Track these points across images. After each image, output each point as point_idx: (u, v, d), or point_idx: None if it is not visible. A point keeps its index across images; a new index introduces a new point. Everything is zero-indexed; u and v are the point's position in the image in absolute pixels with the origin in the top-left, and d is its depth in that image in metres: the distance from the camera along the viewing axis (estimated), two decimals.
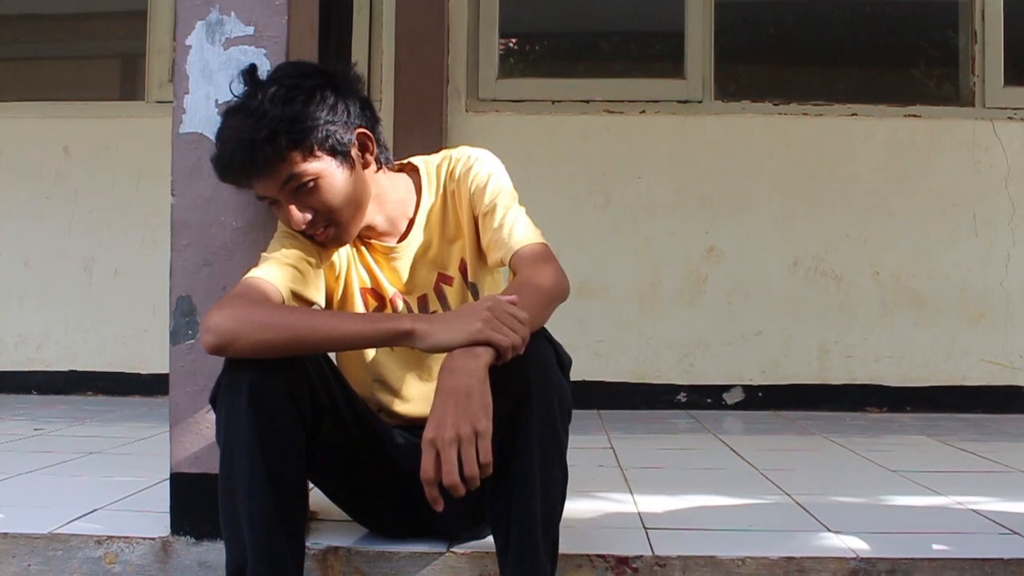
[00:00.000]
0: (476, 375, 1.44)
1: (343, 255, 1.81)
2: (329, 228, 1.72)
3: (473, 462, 1.41)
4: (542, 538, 1.54)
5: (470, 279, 1.85)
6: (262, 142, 1.61)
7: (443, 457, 1.41)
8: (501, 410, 1.47)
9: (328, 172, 1.68)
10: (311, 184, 1.67)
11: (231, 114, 1.67)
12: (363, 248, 1.83)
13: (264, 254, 1.72)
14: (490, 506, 1.58)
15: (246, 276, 1.67)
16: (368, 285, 1.83)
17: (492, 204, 1.78)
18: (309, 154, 1.65)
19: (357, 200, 1.73)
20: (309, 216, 1.69)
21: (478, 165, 1.82)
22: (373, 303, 1.83)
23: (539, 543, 1.53)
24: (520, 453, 1.52)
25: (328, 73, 1.71)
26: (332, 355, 1.79)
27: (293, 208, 1.68)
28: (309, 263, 1.73)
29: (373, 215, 1.80)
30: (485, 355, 1.46)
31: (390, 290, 1.83)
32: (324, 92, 1.67)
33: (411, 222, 1.84)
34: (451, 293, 1.84)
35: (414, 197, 1.85)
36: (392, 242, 1.84)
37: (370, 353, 1.85)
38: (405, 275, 1.84)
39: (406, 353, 1.84)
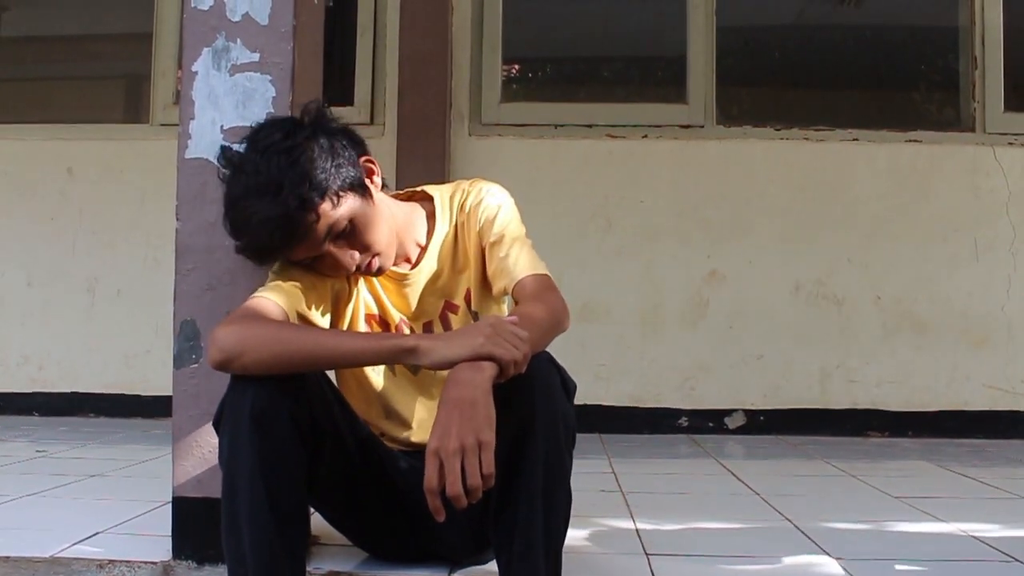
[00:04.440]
0: (480, 387, 1.46)
1: (349, 281, 1.82)
2: (374, 258, 1.74)
3: (476, 473, 1.42)
4: (544, 562, 1.54)
5: (473, 307, 1.86)
6: (296, 211, 1.61)
7: (447, 467, 1.42)
8: (506, 433, 1.48)
9: (358, 209, 1.70)
10: (348, 227, 1.69)
11: (244, 199, 1.62)
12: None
13: (272, 273, 1.73)
14: (493, 529, 1.58)
15: (252, 296, 1.68)
16: (374, 312, 1.84)
17: (500, 235, 1.81)
18: (336, 201, 1.66)
19: (387, 224, 1.77)
20: (356, 255, 1.71)
21: (488, 198, 1.85)
22: (378, 330, 1.84)
23: (541, 567, 1.53)
24: (524, 476, 1.53)
25: (303, 122, 1.70)
26: (334, 379, 1.80)
27: (340, 254, 1.70)
28: (315, 286, 1.74)
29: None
30: (489, 369, 1.48)
31: (396, 316, 1.84)
32: (317, 140, 1.67)
33: (424, 249, 1.86)
34: (456, 321, 1.85)
35: (424, 224, 1.87)
36: (404, 268, 1.85)
37: (373, 378, 1.85)
38: (413, 302, 1.85)
39: (409, 378, 1.86)
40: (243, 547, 1.52)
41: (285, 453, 1.54)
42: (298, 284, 1.71)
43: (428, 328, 1.85)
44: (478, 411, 1.44)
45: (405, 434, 1.87)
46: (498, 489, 1.53)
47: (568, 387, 1.61)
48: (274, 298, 1.66)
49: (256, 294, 1.68)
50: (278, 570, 1.52)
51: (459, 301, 1.86)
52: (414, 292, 1.85)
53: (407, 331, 1.84)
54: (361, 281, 1.83)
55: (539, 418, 1.53)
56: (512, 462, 1.52)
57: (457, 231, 1.86)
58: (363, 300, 1.83)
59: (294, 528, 1.57)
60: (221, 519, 1.56)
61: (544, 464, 1.53)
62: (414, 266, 1.85)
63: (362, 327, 1.83)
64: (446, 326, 1.85)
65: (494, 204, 1.84)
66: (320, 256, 1.70)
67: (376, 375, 1.85)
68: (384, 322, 1.84)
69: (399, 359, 1.57)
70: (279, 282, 1.70)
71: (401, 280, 1.84)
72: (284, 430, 1.54)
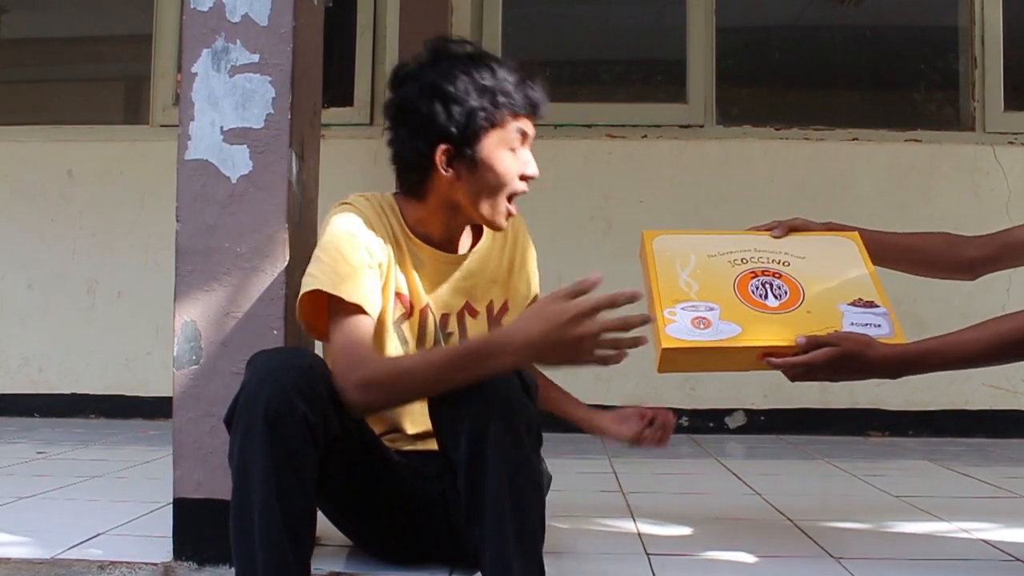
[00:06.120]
0: None
1: (385, 256, 1.80)
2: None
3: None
4: (519, 564, 1.52)
5: (495, 315, 1.92)
6: None
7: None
8: (464, 441, 1.50)
9: None
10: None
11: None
12: (407, 250, 1.83)
13: (319, 257, 1.73)
14: (468, 539, 1.58)
15: (340, 297, 1.67)
16: (403, 290, 1.83)
17: (536, 295, 1.95)
18: None
19: None
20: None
21: (531, 247, 1.98)
22: (402, 308, 1.83)
23: (514, 570, 1.52)
24: (488, 484, 1.53)
25: None
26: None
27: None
28: (370, 266, 1.75)
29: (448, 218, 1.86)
30: None
31: (423, 299, 1.84)
32: None
33: (472, 244, 1.91)
34: (472, 325, 1.88)
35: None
36: (455, 253, 1.88)
37: None
38: (443, 288, 1.86)
39: None
40: (254, 547, 1.51)
41: (297, 454, 1.54)
42: (367, 263, 1.73)
43: (445, 320, 1.87)
44: None
45: (407, 427, 1.87)
46: (465, 499, 1.54)
47: (528, 385, 1.60)
48: (361, 302, 1.69)
49: (343, 295, 1.68)
50: (288, 571, 1.51)
51: (480, 308, 1.89)
52: (451, 280, 1.87)
53: (431, 317, 1.85)
54: (395, 257, 1.81)
55: (497, 422, 1.53)
56: (474, 471, 1.53)
57: (506, 243, 1.93)
58: (394, 275, 1.81)
59: (302, 528, 1.56)
60: (230, 518, 1.55)
61: (509, 469, 1.53)
62: (464, 253, 1.89)
63: (391, 302, 1.81)
64: (461, 326, 1.87)
65: (535, 255, 2.00)
66: (525, 142, 1.94)
67: None
68: (409, 302, 1.84)
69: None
70: (353, 267, 1.71)
71: (441, 263, 1.86)
72: (298, 431, 1.53)
